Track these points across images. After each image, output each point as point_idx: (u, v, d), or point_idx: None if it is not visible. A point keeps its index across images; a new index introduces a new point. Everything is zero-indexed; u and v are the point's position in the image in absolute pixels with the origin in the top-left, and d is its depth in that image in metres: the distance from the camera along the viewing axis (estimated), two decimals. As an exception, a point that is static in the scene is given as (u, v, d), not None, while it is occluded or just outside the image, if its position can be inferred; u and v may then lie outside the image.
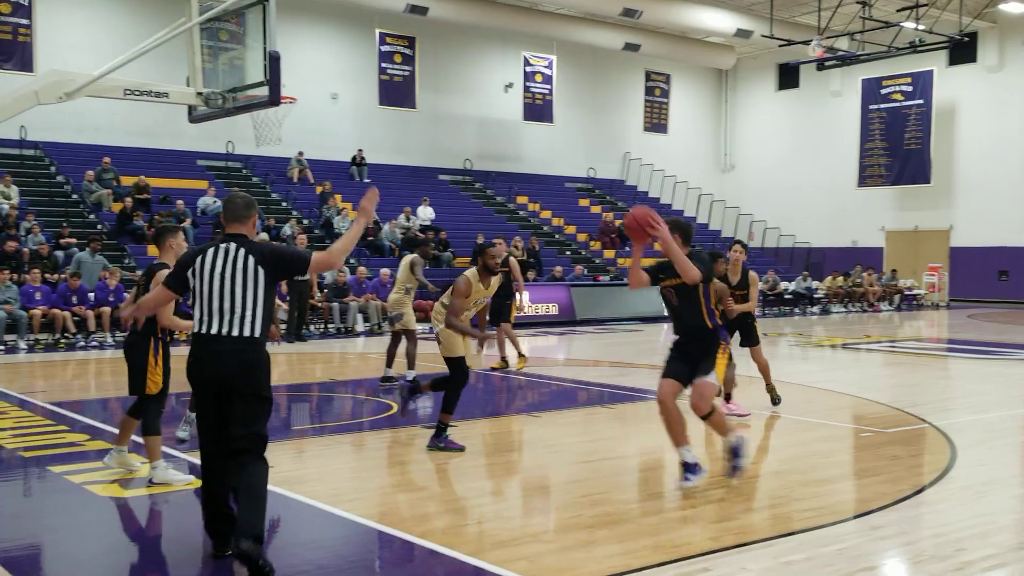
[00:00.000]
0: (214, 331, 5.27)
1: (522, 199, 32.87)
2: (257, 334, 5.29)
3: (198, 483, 6.34)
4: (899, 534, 5.95)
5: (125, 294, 17.14)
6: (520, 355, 14.55)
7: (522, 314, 23.24)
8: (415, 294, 12.85)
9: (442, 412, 8.42)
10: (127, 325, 7.37)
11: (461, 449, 8.31)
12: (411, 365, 12.39)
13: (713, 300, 7.79)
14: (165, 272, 6.38)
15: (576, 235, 31.39)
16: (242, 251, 5.33)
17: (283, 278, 5.58)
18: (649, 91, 37.73)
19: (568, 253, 29.63)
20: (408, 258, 12.68)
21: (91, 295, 18.37)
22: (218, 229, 21.92)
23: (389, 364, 12.67)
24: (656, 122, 38.09)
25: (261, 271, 5.29)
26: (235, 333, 5.25)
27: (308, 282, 19.27)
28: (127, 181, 24.48)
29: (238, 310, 5.27)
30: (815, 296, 29.74)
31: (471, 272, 8.51)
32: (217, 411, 5.32)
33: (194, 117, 12.23)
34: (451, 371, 8.47)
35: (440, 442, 8.38)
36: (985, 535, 5.94)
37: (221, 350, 5.25)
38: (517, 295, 14.83)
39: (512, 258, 14.79)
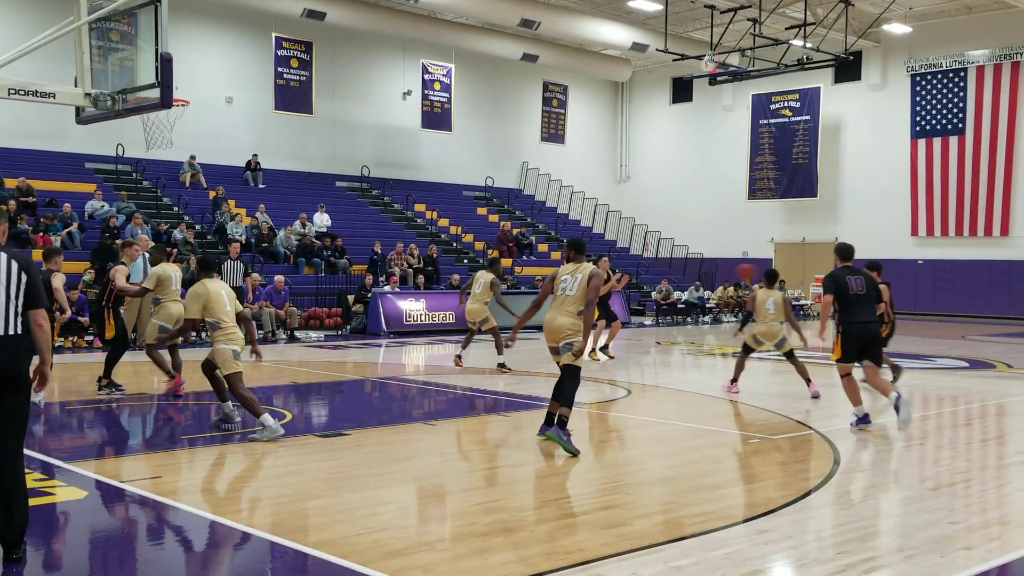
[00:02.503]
0: None
1: (420, 207, 32.81)
2: (21, 331, 5.35)
3: None
4: (784, 538, 6.12)
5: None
6: None
7: (420, 322, 23.26)
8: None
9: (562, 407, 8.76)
10: None
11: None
12: (499, 351, 15.61)
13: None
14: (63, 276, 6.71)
15: (474, 243, 31.47)
16: (3, 255, 5.35)
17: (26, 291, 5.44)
18: (547, 101, 38.02)
19: (466, 261, 29.68)
20: (489, 277, 15.40)
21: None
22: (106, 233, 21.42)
23: (499, 352, 15.59)
24: (553, 132, 38.39)
25: (25, 276, 5.35)
26: (11, 332, 5.30)
27: (243, 288, 18.87)
28: (11, 183, 23.68)
29: (0, 308, 5.30)
30: (707, 306, 30.38)
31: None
32: None
33: (82, 118, 11.88)
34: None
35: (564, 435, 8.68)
36: (866, 538, 6.15)
37: None
38: None
39: None
